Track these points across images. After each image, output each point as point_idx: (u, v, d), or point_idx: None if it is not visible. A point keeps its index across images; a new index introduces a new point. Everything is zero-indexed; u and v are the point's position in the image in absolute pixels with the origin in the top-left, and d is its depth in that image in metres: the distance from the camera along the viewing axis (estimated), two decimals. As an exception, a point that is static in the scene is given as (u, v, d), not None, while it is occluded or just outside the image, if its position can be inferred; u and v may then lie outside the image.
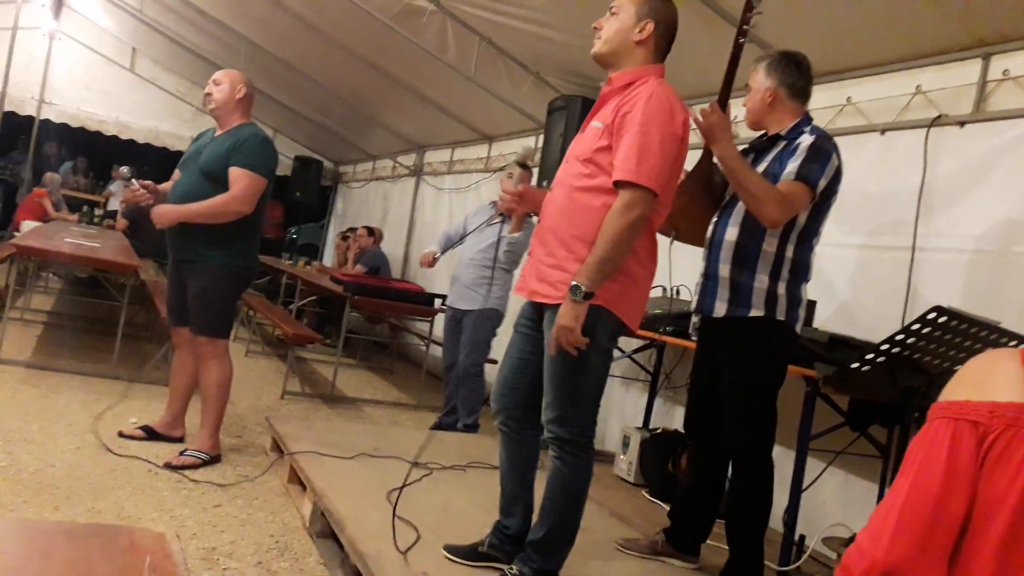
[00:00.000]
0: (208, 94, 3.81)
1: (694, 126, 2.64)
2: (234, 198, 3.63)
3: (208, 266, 3.66)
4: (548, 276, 2.48)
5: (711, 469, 3.06)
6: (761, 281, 2.77)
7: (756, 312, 2.77)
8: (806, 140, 2.78)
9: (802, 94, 2.93)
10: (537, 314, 2.59)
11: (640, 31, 2.47)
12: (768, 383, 2.81)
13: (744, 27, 2.74)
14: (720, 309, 2.84)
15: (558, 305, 2.39)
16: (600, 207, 2.39)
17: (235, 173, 3.64)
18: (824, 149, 2.75)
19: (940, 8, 3.27)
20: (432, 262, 5.12)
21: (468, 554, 2.70)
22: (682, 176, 2.99)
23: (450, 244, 5.24)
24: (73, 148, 12.57)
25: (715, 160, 2.94)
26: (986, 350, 1.16)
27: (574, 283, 2.32)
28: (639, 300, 2.53)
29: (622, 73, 2.49)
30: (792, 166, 2.73)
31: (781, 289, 2.77)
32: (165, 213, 3.63)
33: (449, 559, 2.69)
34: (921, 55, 3.57)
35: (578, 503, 2.55)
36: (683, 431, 3.32)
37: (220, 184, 3.65)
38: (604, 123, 2.44)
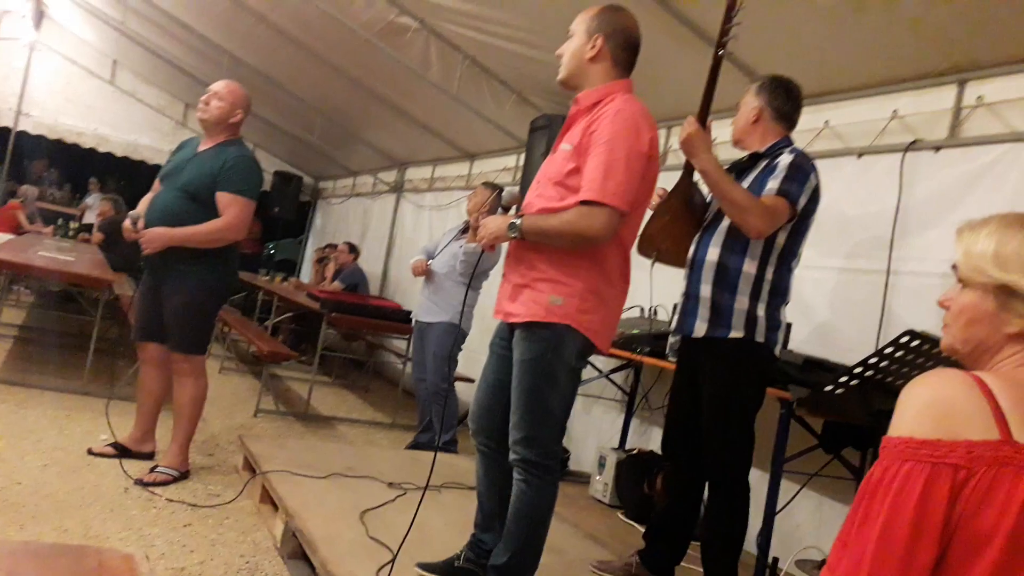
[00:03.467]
0: (206, 103, 3.68)
1: (675, 147, 2.66)
2: (229, 226, 3.57)
3: (188, 281, 3.60)
4: (519, 296, 2.49)
5: (687, 490, 3.05)
6: (741, 302, 2.78)
7: (736, 333, 2.77)
8: (785, 159, 2.81)
9: (787, 119, 2.96)
10: (511, 334, 2.58)
11: (592, 47, 2.47)
12: (747, 405, 2.81)
13: (723, 39, 2.76)
14: (700, 329, 2.85)
15: (526, 324, 2.43)
16: None
17: (225, 199, 3.57)
18: (803, 168, 2.77)
19: (917, 35, 3.32)
20: (425, 269, 5.19)
21: (444, 569, 2.67)
22: (660, 196, 3.02)
23: (429, 258, 5.28)
24: (49, 160, 12.46)
25: (695, 179, 2.95)
26: (928, 372, 1.13)
27: (515, 221, 2.42)
28: (609, 319, 2.50)
29: (588, 92, 2.49)
30: (772, 184, 2.75)
31: (761, 311, 2.78)
32: (156, 238, 3.51)
33: (421, 575, 2.65)
34: (898, 80, 3.62)
35: (543, 526, 2.53)
36: (660, 452, 3.31)
37: (201, 203, 3.57)
38: (572, 144, 2.43)
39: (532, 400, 2.43)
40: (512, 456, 2.49)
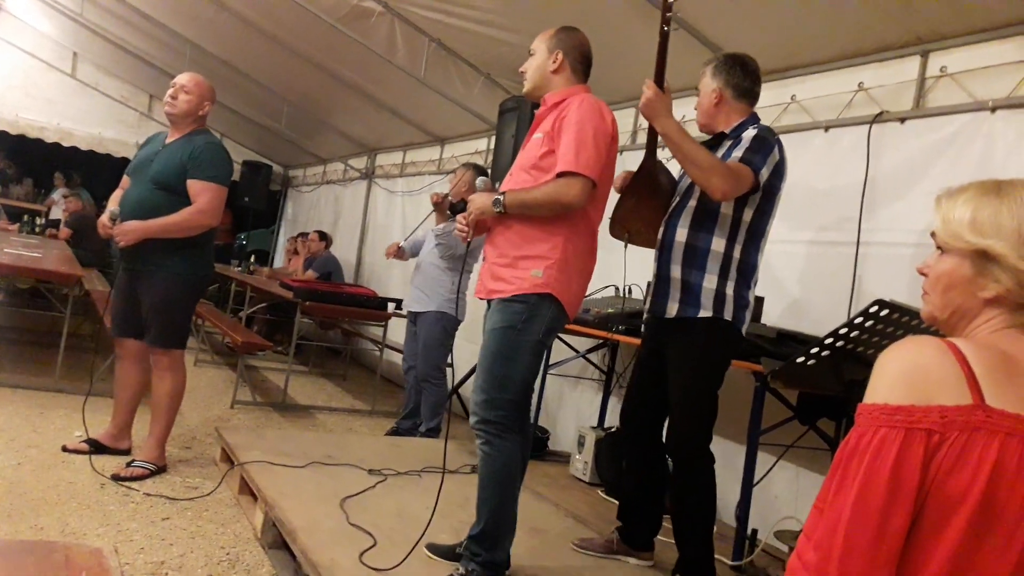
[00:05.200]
0: (173, 97, 3.65)
1: (644, 125, 2.67)
2: (201, 211, 3.55)
3: (165, 275, 3.57)
4: (502, 274, 2.65)
5: (648, 463, 3.09)
6: (710, 281, 2.79)
7: (705, 313, 2.79)
8: (749, 132, 2.83)
9: (748, 95, 2.96)
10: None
11: (554, 61, 2.78)
12: (711, 381, 2.84)
13: (667, 15, 2.73)
14: (672, 310, 2.86)
15: (507, 299, 2.61)
16: None
17: (197, 186, 3.56)
18: (767, 140, 2.78)
19: (879, 7, 3.33)
20: (398, 251, 5.29)
21: (447, 554, 2.77)
22: (624, 179, 3.03)
23: (414, 249, 5.32)
24: (9, 156, 12.23)
25: (659, 159, 2.96)
26: (902, 339, 1.15)
27: (499, 197, 2.63)
28: (579, 292, 2.72)
29: (553, 94, 2.77)
30: (736, 154, 2.76)
31: (729, 290, 2.80)
32: (131, 231, 3.49)
33: (430, 557, 2.76)
34: (862, 53, 3.64)
35: (510, 488, 2.64)
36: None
37: (174, 194, 3.55)
38: (544, 132, 2.69)
39: (495, 364, 2.61)
40: (473, 419, 2.64)
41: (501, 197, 2.63)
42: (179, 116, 3.66)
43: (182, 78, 3.73)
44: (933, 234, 1.24)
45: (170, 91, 3.68)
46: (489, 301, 2.72)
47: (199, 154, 3.59)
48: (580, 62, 2.81)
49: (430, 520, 2.75)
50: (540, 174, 2.63)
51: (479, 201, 2.71)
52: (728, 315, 2.79)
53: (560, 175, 2.56)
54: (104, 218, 3.59)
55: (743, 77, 2.93)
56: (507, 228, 2.67)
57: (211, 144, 3.69)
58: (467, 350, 5.46)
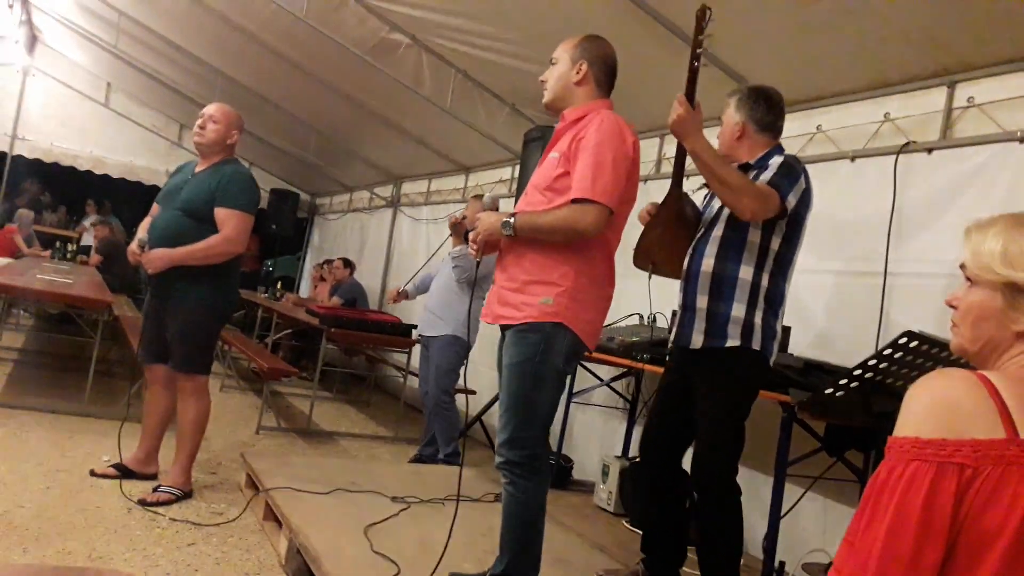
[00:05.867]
0: (202, 127, 3.71)
1: (669, 155, 2.66)
2: (228, 239, 3.60)
3: (190, 302, 3.62)
4: (510, 300, 2.56)
5: (670, 492, 3.06)
6: (738, 310, 2.78)
7: (733, 342, 2.77)
8: (776, 159, 2.83)
9: (771, 128, 2.96)
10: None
11: (577, 72, 2.65)
12: (739, 412, 2.82)
13: (697, 51, 2.74)
14: (698, 341, 2.85)
15: (520, 326, 2.52)
16: None
17: (223, 214, 3.61)
18: (794, 168, 2.78)
19: (906, 37, 3.34)
20: (397, 297, 5.39)
21: None
22: (650, 211, 3.02)
23: (422, 285, 5.42)
24: (44, 184, 12.47)
25: (685, 190, 2.96)
26: (932, 372, 1.13)
27: (509, 219, 2.53)
28: (596, 320, 2.61)
29: (573, 109, 2.65)
30: (763, 177, 2.76)
31: (757, 319, 2.78)
32: (158, 258, 3.54)
33: None
34: (888, 83, 3.64)
35: (535, 529, 2.57)
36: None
37: (203, 221, 3.60)
38: (560, 152, 2.57)
39: (519, 402, 2.52)
40: (498, 460, 2.56)
41: (511, 220, 2.53)
42: (207, 146, 3.73)
43: (210, 108, 3.78)
44: (963, 266, 1.23)
45: (199, 121, 3.73)
46: (503, 329, 2.64)
47: (227, 182, 3.65)
48: (605, 74, 2.68)
49: (444, 550, 2.71)
50: (555, 196, 2.53)
51: (487, 221, 2.62)
52: (756, 344, 2.77)
53: (575, 201, 2.46)
54: (133, 245, 3.65)
55: (767, 111, 2.93)
56: (517, 252, 2.58)
57: (239, 173, 3.74)
58: (488, 377, 5.45)
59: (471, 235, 2.70)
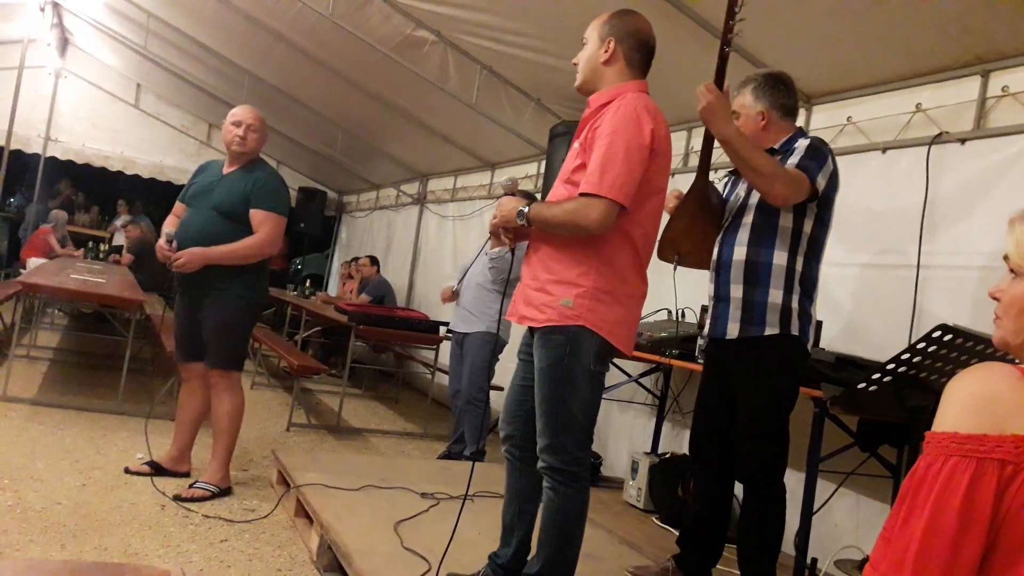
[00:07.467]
0: (243, 137, 3.72)
1: (696, 148, 2.63)
2: (264, 241, 3.68)
3: (225, 299, 3.68)
4: (534, 300, 2.49)
5: (718, 492, 3.03)
6: (775, 296, 2.75)
7: (771, 330, 2.74)
8: (803, 142, 2.80)
9: (792, 112, 2.95)
10: (533, 339, 2.58)
11: (605, 51, 2.49)
12: (783, 403, 2.79)
13: (728, 36, 2.70)
14: (733, 331, 2.82)
15: (545, 328, 2.44)
16: None
17: (259, 216, 3.68)
18: (821, 150, 2.76)
19: (938, 27, 3.29)
20: (451, 296, 5.26)
21: None
22: (677, 198, 2.98)
23: (463, 273, 5.34)
24: (76, 184, 12.66)
25: (710, 179, 2.94)
26: (972, 366, 1.10)
27: (523, 208, 2.47)
28: (627, 319, 2.49)
29: (599, 94, 2.51)
30: (791, 161, 2.73)
31: (794, 303, 2.75)
32: (194, 257, 3.59)
33: None
34: (920, 73, 3.58)
35: (574, 534, 2.51)
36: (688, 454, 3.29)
37: (237, 222, 3.67)
38: (579, 142, 2.48)
39: (553, 406, 2.44)
40: (540, 464, 2.49)
41: (526, 208, 2.47)
42: (248, 154, 3.79)
43: (247, 116, 3.79)
44: (1006, 257, 1.20)
45: (238, 131, 3.73)
46: (531, 330, 2.58)
47: (262, 185, 3.72)
48: (636, 50, 2.49)
49: (446, 550, 2.68)
50: (574, 189, 2.42)
51: (505, 207, 2.56)
52: (795, 329, 2.74)
53: (582, 195, 2.35)
54: (161, 241, 3.70)
55: (787, 95, 2.92)
56: (541, 249, 2.51)
57: (273, 175, 3.83)
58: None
59: (492, 221, 2.63)
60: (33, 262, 8.19)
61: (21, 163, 10.67)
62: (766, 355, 2.77)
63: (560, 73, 5.11)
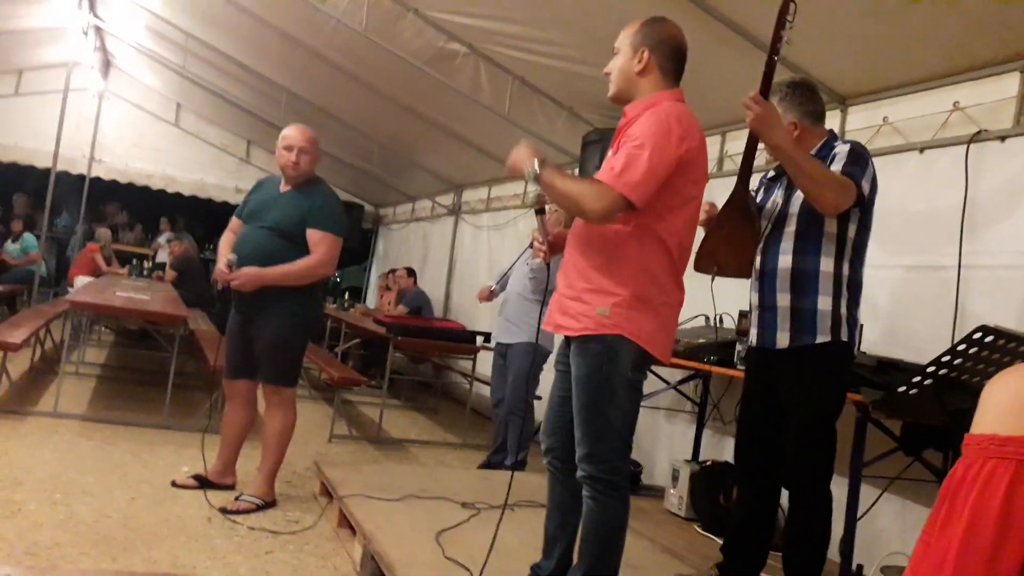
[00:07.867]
0: (296, 161, 3.73)
1: (730, 153, 2.61)
2: (321, 262, 3.72)
3: (280, 316, 3.71)
4: (569, 308, 2.49)
5: (763, 501, 3.00)
6: (824, 303, 2.73)
7: (823, 338, 2.72)
8: (843, 147, 2.78)
9: (822, 117, 2.94)
10: (570, 349, 2.58)
11: (639, 61, 2.46)
12: (833, 411, 2.77)
13: (777, 45, 2.66)
14: (783, 340, 2.79)
15: (581, 337, 2.44)
16: (612, 235, 2.42)
17: (317, 236, 3.72)
18: (863, 155, 2.74)
19: (974, 22, 3.24)
20: (489, 296, 5.30)
21: None
22: (707, 211, 2.95)
23: (503, 280, 5.37)
24: (120, 203, 12.94)
25: (751, 187, 2.92)
26: (1011, 367, 1.09)
27: (536, 168, 2.37)
28: (664, 326, 2.48)
29: (635, 104, 2.50)
30: (834, 167, 2.70)
31: (843, 309, 2.74)
32: (251, 279, 3.63)
33: None
34: (957, 71, 3.53)
35: (614, 543, 2.50)
36: (733, 463, 3.27)
37: (293, 242, 3.70)
38: (612, 151, 2.47)
39: (591, 416, 2.43)
40: (579, 473, 2.49)
41: (537, 168, 2.38)
42: (301, 176, 3.81)
43: (298, 138, 3.77)
44: None
45: (291, 155, 3.74)
46: (568, 340, 2.57)
47: (319, 205, 3.76)
48: (670, 59, 2.47)
49: (486, 560, 2.68)
50: None
51: (520, 152, 2.45)
52: (845, 336, 2.73)
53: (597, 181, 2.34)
54: (221, 265, 3.71)
55: (814, 102, 2.91)
56: (576, 258, 2.50)
57: (331, 196, 3.86)
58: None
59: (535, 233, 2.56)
60: (80, 280, 8.38)
61: (67, 183, 10.93)
62: (818, 363, 2.75)
63: (592, 81, 5.12)
